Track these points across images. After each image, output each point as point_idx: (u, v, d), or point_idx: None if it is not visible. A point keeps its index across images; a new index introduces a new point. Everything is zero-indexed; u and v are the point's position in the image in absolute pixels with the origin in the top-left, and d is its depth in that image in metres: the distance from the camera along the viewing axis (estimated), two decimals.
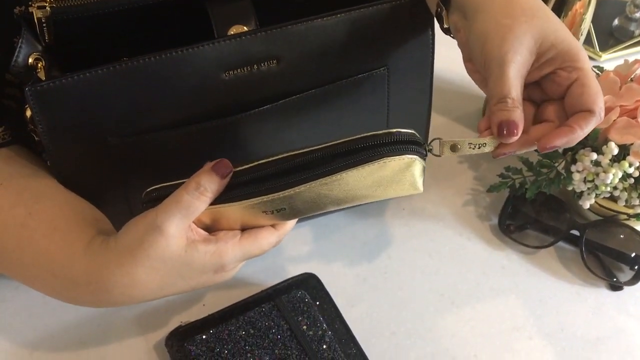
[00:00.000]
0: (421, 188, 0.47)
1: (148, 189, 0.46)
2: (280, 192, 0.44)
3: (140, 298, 0.46)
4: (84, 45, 0.50)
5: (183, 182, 0.44)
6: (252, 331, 0.52)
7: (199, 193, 0.43)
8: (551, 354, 0.56)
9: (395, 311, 0.58)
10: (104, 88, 0.46)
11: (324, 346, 0.52)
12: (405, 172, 0.45)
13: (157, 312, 0.57)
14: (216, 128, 0.51)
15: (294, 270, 0.59)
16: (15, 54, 0.46)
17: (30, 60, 0.47)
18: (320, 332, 0.53)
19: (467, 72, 0.51)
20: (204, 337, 0.52)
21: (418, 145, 0.45)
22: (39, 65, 0.47)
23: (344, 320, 0.55)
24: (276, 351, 0.51)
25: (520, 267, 0.62)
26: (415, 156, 0.44)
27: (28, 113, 0.47)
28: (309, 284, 0.57)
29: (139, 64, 0.46)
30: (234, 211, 0.45)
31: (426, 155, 0.46)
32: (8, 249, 0.47)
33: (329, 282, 0.58)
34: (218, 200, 0.45)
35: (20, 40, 0.46)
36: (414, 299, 0.59)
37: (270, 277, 0.58)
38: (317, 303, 0.56)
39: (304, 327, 0.53)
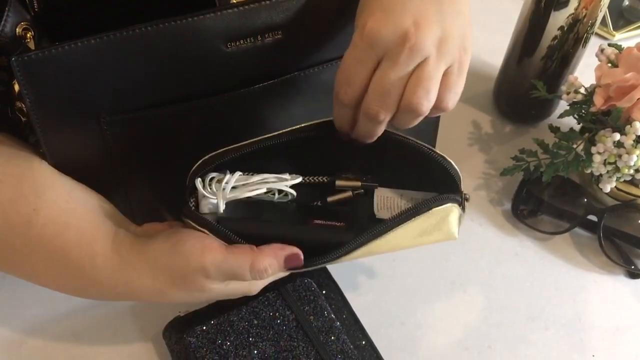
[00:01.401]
0: (457, 235, 0.48)
1: (205, 158, 0.46)
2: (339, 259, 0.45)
3: (167, 302, 0.46)
4: (76, 16, 0.47)
5: (237, 147, 0.45)
6: (255, 322, 0.50)
7: (259, 277, 0.44)
8: (568, 344, 0.54)
9: (404, 300, 0.56)
10: (97, 59, 0.42)
11: (332, 337, 0.49)
12: (445, 220, 0.46)
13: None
14: (218, 104, 0.47)
15: None
16: (2, 23, 0.43)
17: (19, 30, 0.43)
18: (327, 323, 0.50)
19: None
20: (204, 328, 0.49)
21: (455, 194, 0.47)
22: (28, 35, 0.44)
23: (352, 309, 0.53)
24: (281, 343, 0.49)
25: (535, 254, 0.60)
26: (455, 204, 0.46)
27: (16, 87, 0.44)
28: (315, 271, 0.54)
29: (135, 34, 0.42)
30: None
31: (462, 203, 0.48)
32: (15, 247, 0.44)
33: (335, 269, 0.56)
34: None
35: (7, 9, 0.43)
36: (424, 287, 0.57)
37: None
38: (324, 292, 0.53)
39: (311, 317, 0.50)
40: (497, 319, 0.55)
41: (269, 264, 0.43)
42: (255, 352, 0.48)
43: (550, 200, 0.62)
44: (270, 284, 0.53)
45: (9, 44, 0.42)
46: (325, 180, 0.51)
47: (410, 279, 0.57)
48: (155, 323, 0.52)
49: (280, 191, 0.49)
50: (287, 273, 0.46)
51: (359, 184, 0.50)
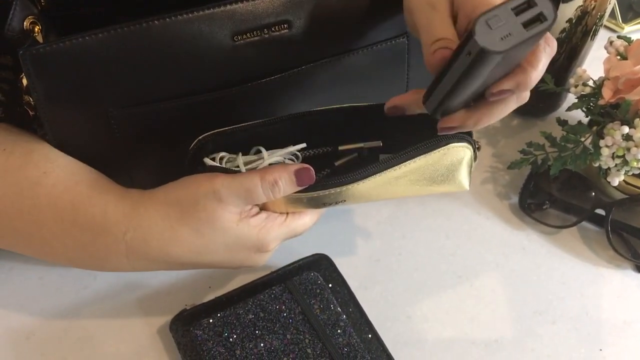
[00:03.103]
0: (468, 186, 0.49)
1: (201, 137, 0.46)
2: (352, 184, 0.45)
3: (176, 259, 0.45)
4: (83, 10, 0.47)
5: (239, 127, 0.46)
6: (262, 315, 0.50)
7: (272, 192, 0.44)
8: (575, 338, 0.54)
9: (410, 294, 0.56)
10: (104, 53, 0.42)
11: (339, 330, 0.49)
12: (457, 167, 0.47)
13: (160, 294, 0.54)
14: (225, 98, 0.47)
15: (305, 250, 0.56)
16: (9, 16, 0.43)
17: (26, 23, 0.44)
18: (334, 316, 0.50)
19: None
20: (210, 320, 0.49)
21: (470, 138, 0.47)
22: (36, 29, 0.44)
23: (358, 303, 0.53)
24: (288, 336, 0.49)
25: (542, 247, 0.60)
26: (470, 146, 0.47)
27: (24, 81, 0.44)
28: (321, 265, 0.55)
29: (142, 27, 0.42)
30: (290, 201, 0.46)
31: (474, 150, 0.48)
32: (24, 211, 0.45)
33: (342, 263, 0.55)
34: None
35: (14, 3, 0.43)
36: (430, 281, 0.57)
37: (279, 258, 0.55)
38: (330, 285, 0.53)
39: (317, 310, 0.50)
40: (504, 312, 0.55)
41: (279, 176, 0.43)
42: (262, 345, 0.48)
43: (557, 193, 0.62)
44: (276, 277, 0.53)
45: (17, 38, 0.42)
46: (329, 149, 0.51)
47: (416, 273, 0.57)
48: (162, 316, 0.53)
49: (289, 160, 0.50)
50: (299, 188, 0.45)
51: (362, 144, 0.50)
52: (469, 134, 0.48)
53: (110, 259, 0.46)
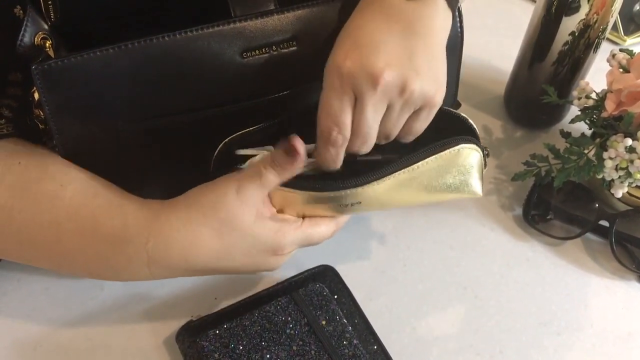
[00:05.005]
0: (481, 192, 0.51)
1: (227, 139, 0.48)
2: (368, 184, 0.46)
3: (195, 265, 0.46)
4: (93, 26, 0.48)
5: (255, 128, 0.48)
6: (268, 326, 0.50)
7: (270, 166, 0.45)
8: (580, 350, 0.54)
9: (415, 305, 0.56)
10: (114, 68, 0.43)
11: (344, 342, 0.49)
12: (470, 169, 0.49)
13: (167, 305, 0.55)
14: (234, 114, 0.48)
15: (310, 262, 0.56)
16: (21, 33, 0.43)
17: (37, 39, 0.44)
18: (340, 328, 0.50)
19: None
20: (217, 332, 0.50)
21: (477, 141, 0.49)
22: (47, 44, 0.44)
23: (364, 314, 0.53)
24: (294, 347, 0.49)
25: (546, 259, 0.60)
26: (478, 149, 0.48)
27: (36, 95, 0.44)
28: (327, 276, 0.55)
29: (151, 44, 0.43)
30: (307, 200, 0.47)
31: (483, 155, 0.50)
32: (44, 225, 0.45)
33: (347, 274, 0.56)
34: (300, 186, 0.46)
35: (25, 19, 0.43)
36: (435, 292, 0.57)
37: (285, 269, 0.55)
38: (336, 297, 0.53)
39: (323, 322, 0.50)
40: (509, 324, 0.55)
41: (274, 153, 0.45)
42: (268, 356, 0.48)
43: (561, 205, 0.62)
44: (281, 288, 0.53)
45: (28, 54, 0.43)
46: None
47: (421, 284, 0.57)
48: (169, 327, 0.53)
49: None
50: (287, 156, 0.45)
51: (379, 157, 0.50)
52: (477, 137, 0.49)
53: (131, 269, 0.46)
